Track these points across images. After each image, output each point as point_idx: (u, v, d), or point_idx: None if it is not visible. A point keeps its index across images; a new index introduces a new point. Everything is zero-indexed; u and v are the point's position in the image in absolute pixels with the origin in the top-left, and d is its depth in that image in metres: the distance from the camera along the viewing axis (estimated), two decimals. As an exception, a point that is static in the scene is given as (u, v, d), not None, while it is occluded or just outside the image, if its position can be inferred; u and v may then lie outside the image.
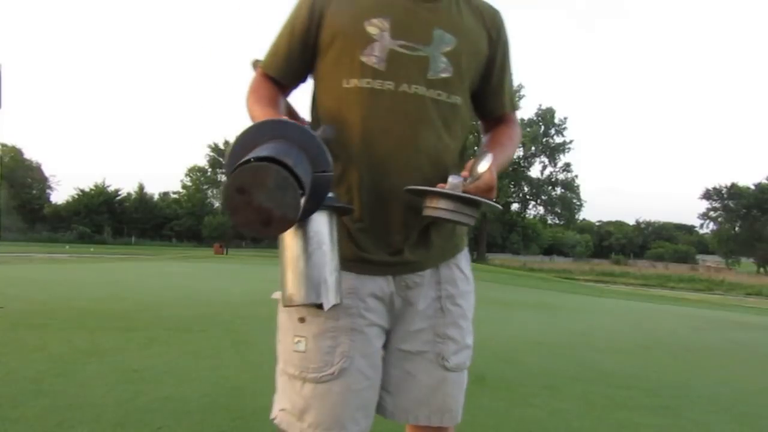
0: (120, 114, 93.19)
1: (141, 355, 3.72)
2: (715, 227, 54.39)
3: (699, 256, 64.37)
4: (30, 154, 55.73)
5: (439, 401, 1.19)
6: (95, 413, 2.50)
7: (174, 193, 56.90)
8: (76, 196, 48.34)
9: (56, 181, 52.02)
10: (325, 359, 1.10)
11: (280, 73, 1.22)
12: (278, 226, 0.78)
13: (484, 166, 1.01)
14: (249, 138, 0.86)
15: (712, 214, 53.71)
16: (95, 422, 2.39)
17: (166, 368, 3.38)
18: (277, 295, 1.08)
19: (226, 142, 52.79)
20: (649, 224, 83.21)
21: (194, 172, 55.68)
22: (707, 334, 6.94)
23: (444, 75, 1.14)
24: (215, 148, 53.43)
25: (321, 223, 0.97)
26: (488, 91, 1.26)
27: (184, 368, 3.42)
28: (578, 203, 47.90)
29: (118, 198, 50.38)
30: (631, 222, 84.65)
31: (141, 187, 52.45)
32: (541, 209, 49.95)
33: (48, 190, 50.69)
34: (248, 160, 0.78)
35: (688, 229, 78.41)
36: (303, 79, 1.25)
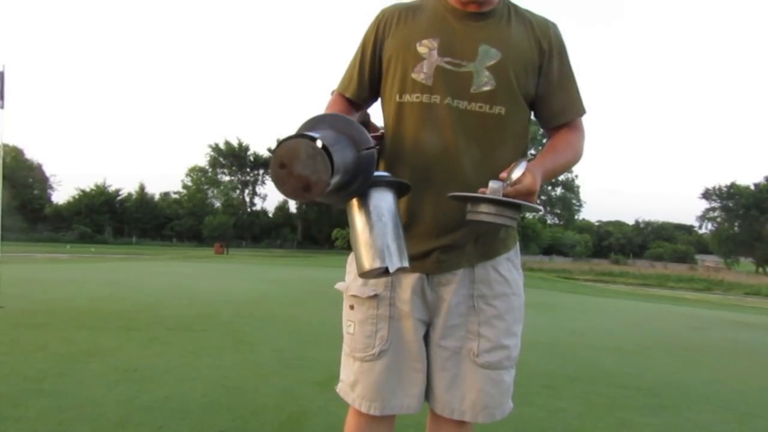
0: (120, 114, 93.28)
1: (141, 355, 3.72)
2: (713, 227, 54.35)
3: (698, 256, 64.36)
4: (31, 154, 55.67)
5: (473, 397, 1.27)
6: (96, 413, 2.51)
7: (175, 193, 56.97)
8: (77, 196, 48.40)
9: (57, 181, 52.08)
10: (367, 342, 1.29)
11: (353, 94, 1.38)
12: (316, 189, 0.93)
13: (517, 172, 1.09)
14: (304, 128, 1.04)
15: (711, 214, 53.70)
16: (96, 422, 2.40)
17: (166, 368, 3.39)
18: (340, 285, 1.35)
19: (227, 142, 52.90)
20: (648, 224, 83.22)
21: (195, 172, 55.71)
22: (707, 334, 6.94)
23: (486, 88, 1.24)
24: (215, 148, 53.45)
25: (379, 197, 1.08)
26: (545, 99, 1.33)
27: (184, 368, 3.42)
28: (578, 203, 47.94)
29: (119, 198, 50.44)
30: (631, 222, 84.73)
31: (142, 187, 52.56)
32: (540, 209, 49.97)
33: (49, 190, 50.77)
34: (287, 138, 0.94)
35: (688, 229, 78.41)
36: (374, 99, 1.39)
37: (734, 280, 32.25)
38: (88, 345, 3.94)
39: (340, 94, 1.39)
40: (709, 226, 55.12)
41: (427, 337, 1.31)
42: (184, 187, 55.87)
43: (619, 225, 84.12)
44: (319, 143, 0.93)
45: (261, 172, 54.93)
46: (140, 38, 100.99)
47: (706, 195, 52.53)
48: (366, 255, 1.07)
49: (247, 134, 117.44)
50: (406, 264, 1.08)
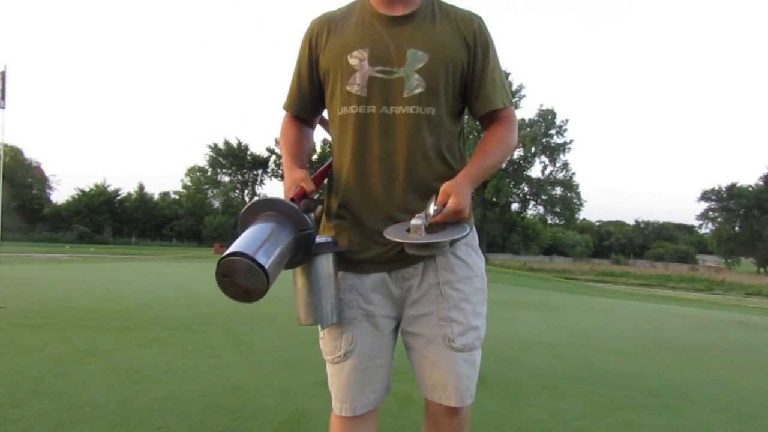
0: (120, 114, 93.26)
1: (141, 355, 3.72)
2: (714, 227, 54.29)
3: (699, 256, 64.29)
4: (30, 153, 55.55)
5: (455, 382, 1.33)
6: (95, 413, 2.50)
7: (174, 193, 56.95)
8: (77, 196, 48.36)
9: (56, 180, 51.85)
10: (334, 344, 1.37)
11: (297, 111, 1.46)
12: (255, 295, 1.09)
13: (431, 207, 1.22)
14: (248, 213, 1.21)
15: (711, 214, 53.63)
16: (95, 422, 2.39)
17: (166, 368, 3.38)
18: None
19: (226, 142, 52.88)
20: (648, 224, 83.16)
21: (194, 172, 55.68)
22: (707, 334, 6.94)
23: (417, 91, 1.30)
24: (215, 148, 53.38)
25: (318, 263, 1.25)
26: (472, 92, 1.37)
27: (184, 368, 3.41)
28: (578, 203, 47.82)
29: (119, 198, 50.39)
30: (631, 222, 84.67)
31: (141, 187, 52.49)
32: (541, 209, 49.91)
33: (48, 190, 50.72)
34: (226, 255, 1.07)
35: (688, 229, 78.30)
36: (321, 110, 1.46)
37: (735, 281, 32.22)
38: (87, 345, 3.94)
39: (288, 114, 1.48)
40: (710, 226, 55.08)
41: (400, 330, 1.40)
42: (184, 187, 55.85)
43: (619, 225, 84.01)
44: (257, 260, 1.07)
45: (260, 172, 54.95)
46: (140, 38, 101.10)
47: (705, 197, 52.47)
48: (303, 312, 1.27)
49: (246, 134, 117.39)
50: (335, 320, 1.29)
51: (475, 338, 1.36)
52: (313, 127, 1.52)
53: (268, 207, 1.21)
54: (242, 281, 1.08)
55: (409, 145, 1.30)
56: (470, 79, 1.35)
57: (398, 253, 1.31)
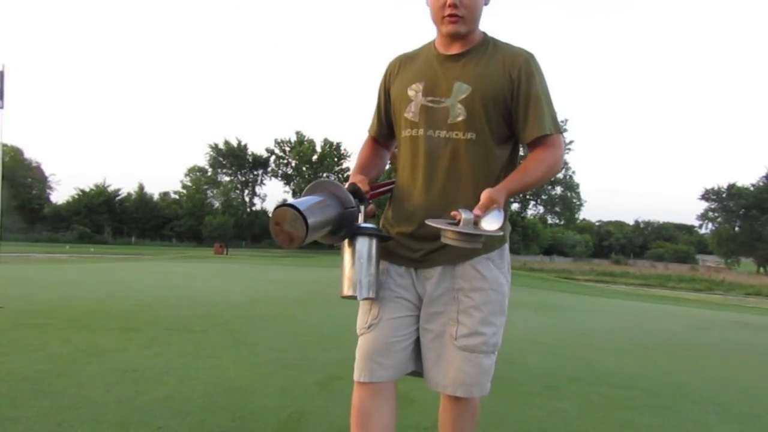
0: (120, 114, 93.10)
1: (141, 355, 3.72)
2: (714, 227, 54.29)
3: (699, 256, 64.26)
4: (30, 153, 55.37)
5: (453, 375, 1.52)
6: (95, 413, 2.50)
7: (174, 193, 56.91)
8: (76, 196, 48.33)
9: (56, 180, 51.84)
10: (364, 318, 1.58)
11: (375, 133, 1.75)
12: (297, 242, 1.35)
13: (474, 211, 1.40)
14: (310, 189, 1.49)
15: (711, 214, 53.62)
16: (95, 422, 2.39)
17: (166, 368, 3.38)
18: None
19: (226, 142, 52.88)
20: (648, 224, 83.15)
21: (194, 172, 55.66)
22: (707, 334, 6.94)
23: (460, 118, 1.50)
24: (215, 148, 53.36)
25: (361, 243, 1.47)
26: (518, 121, 1.54)
27: (184, 368, 3.42)
28: (578, 203, 47.84)
29: (118, 198, 50.37)
30: (631, 222, 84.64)
31: (141, 187, 52.45)
32: (541, 209, 49.95)
33: (48, 190, 50.71)
34: (280, 205, 1.36)
35: (688, 229, 78.32)
36: (394, 136, 1.71)
37: (735, 281, 32.23)
38: (87, 345, 3.94)
39: (369, 135, 1.77)
40: (710, 226, 55.08)
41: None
42: (184, 187, 55.83)
43: (619, 225, 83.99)
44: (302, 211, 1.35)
45: (260, 172, 54.96)
46: (140, 38, 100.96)
47: (705, 197, 52.46)
48: (344, 284, 1.48)
49: (246, 134, 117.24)
50: (372, 295, 1.49)
51: (480, 343, 1.51)
52: (389, 150, 1.78)
53: (325, 186, 1.50)
54: (288, 228, 1.35)
55: (449, 166, 1.51)
56: (515, 108, 1.52)
57: (425, 255, 1.54)
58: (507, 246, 1.61)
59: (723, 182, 53.89)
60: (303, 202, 1.39)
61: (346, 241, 1.48)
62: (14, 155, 44.78)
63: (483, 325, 1.51)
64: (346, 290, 1.48)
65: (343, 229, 1.46)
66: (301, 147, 53.71)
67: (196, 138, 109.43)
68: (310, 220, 1.33)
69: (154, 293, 7.64)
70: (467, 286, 1.52)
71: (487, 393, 1.57)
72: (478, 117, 1.49)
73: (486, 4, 1.55)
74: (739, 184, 51.29)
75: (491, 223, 1.36)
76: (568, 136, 47.18)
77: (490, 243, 1.52)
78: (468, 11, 1.49)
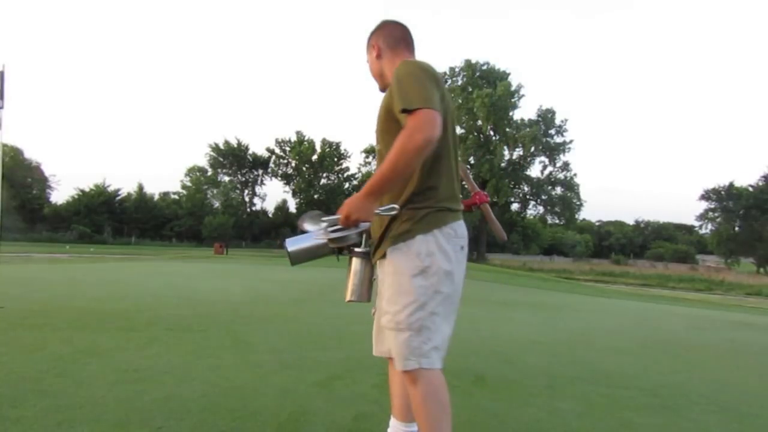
0: (120, 114, 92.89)
1: (141, 355, 3.72)
2: (714, 227, 54.26)
3: (699, 256, 64.23)
4: (30, 153, 55.31)
5: (386, 347, 1.89)
6: (95, 413, 2.50)
7: (174, 193, 56.84)
8: (76, 196, 48.24)
9: (56, 181, 51.67)
10: (372, 310, 2.04)
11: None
12: (292, 264, 1.93)
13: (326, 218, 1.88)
14: (304, 218, 1.92)
15: (710, 214, 53.59)
16: (95, 422, 2.39)
17: (166, 368, 3.38)
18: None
19: (226, 142, 52.82)
20: (648, 224, 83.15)
21: (194, 172, 55.61)
22: (707, 334, 6.94)
23: (377, 134, 1.92)
24: (215, 148, 53.28)
25: (355, 262, 1.90)
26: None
27: (184, 368, 3.41)
28: (578, 203, 47.83)
29: (118, 198, 50.28)
30: (631, 222, 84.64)
31: (141, 187, 52.39)
32: (541, 209, 49.95)
33: (48, 190, 50.57)
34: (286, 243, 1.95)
35: (688, 229, 78.26)
36: None
37: (735, 281, 32.23)
38: (87, 345, 3.94)
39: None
40: (710, 226, 55.05)
41: None
42: (184, 187, 55.77)
43: (619, 225, 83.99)
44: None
45: (260, 172, 54.90)
46: (139, 38, 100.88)
47: (705, 197, 52.43)
48: (347, 291, 1.90)
49: (246, 134, 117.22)
50: (366, 300, 1.92)
51: (388, 321, 1.79)
52: None
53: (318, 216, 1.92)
54: (288, 255, 1.90)
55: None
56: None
57: (373, 252, 1.91)
58: (422, 236, 1.75)
59: (723, 182, 53.75)
60: (295, 239, 1.91)
61: (353, 258, 1.89)
62: (14, 155, 44.74)
63: (389, 305, 1.79)
64: (348, 296, 1.90)
65: (342, 252, 1.91)
66: (301, 147, 53.68)
67: (196, 138, 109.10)
68: (293, 254, 1.89)
69: (154, 293, 7.64)
70: (380, 274, 1.88)
71: (410, 368, 1.73)
72: (378, 130, 1.90)
73: (379, 58, 2.00)
74: (739, 184, 51.30)
75: (336, 231, 1.78)
76: (567, 136, 47.23)
77: (398, 235, 1.78)
78: (373, 74, 2.07)
